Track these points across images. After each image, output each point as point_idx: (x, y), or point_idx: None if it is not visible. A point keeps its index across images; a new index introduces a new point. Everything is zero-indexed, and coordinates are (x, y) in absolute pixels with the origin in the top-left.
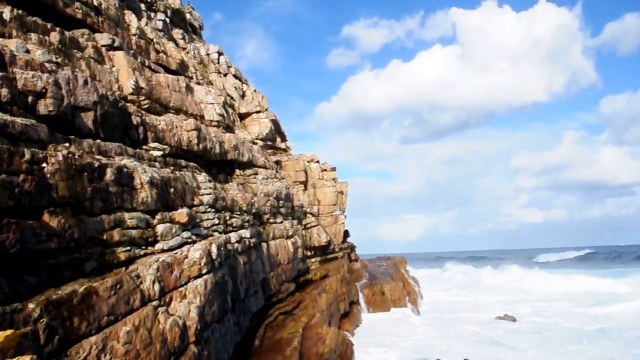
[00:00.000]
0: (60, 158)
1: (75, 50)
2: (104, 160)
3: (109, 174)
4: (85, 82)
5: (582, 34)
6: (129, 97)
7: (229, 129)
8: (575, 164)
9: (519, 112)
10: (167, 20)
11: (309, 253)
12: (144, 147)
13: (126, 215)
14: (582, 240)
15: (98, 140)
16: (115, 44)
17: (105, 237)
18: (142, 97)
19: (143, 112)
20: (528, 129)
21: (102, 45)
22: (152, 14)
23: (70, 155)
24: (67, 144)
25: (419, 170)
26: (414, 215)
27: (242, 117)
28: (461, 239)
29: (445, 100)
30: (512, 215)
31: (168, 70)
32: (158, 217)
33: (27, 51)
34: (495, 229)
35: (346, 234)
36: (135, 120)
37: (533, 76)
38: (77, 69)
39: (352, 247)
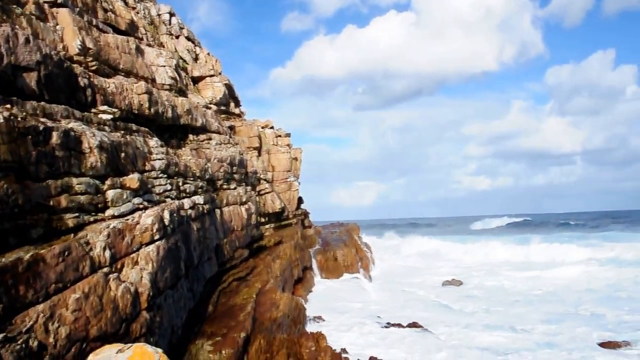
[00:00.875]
0: (1, 120)
1: (15, 6)
2: (50, 124)
3: (55, 138)
4: (27, 41)
5: (532, 3)
6: (76, 58)
7: (182, 92)
8: (521, 133)
9: (470, 81)
10: None
11: (263, 220)
12: (93, 110)
13: (74, 180)
14: (526, 207)
15: (43, 103)
16: (59, 1)
17: (52, 203)
18: (90, 58)
19: (91, 73)
20: (479, 97)
21: (45, 2)
22: None
23: (12, 117)
24: (8, 106)
25: (372, 137)
26: (366, 182)
27: (195, 80)
28: (412, 206)
29: (399, 68)
30: (461, 183)
31: (117, 30)
32: (108, 182)
33: None
34: (445, 196)
35: (300, 200)
36: (82, 82)
37: (484, 45)
38: (17, 26)
39: (306, 214)
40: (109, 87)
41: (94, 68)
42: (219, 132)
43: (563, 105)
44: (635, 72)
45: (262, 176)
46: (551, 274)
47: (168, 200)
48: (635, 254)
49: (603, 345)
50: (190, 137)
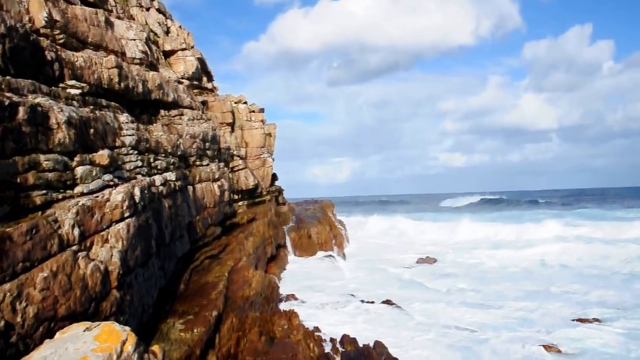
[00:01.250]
0: None
1: None
2: (16, 99)
3: (22, 113)
4: None
5: None
6: (42, 31)
7: (153, 67)
8: (498, 109)
9: (446, 56)
10: None
11: (236, 196)
12: (61, 85)
13: (42, 157)
14: (501, 184)
15: (8, 77)
16: None
17: (19, 180)
18: (57, 31)
19: (58, 47)
20: (455, 73)
21: None
22: None
23: None
24: None
25: (348, 113)
26: (341, 158)
27: (167, 54)
28: (388, 183)
29: (375, 41)
30: (437, 159)
31: (85, 2)
32: (77, 159)
33: None
34: (421, 173)
35: (274, 177)
36: (49, 55)
37: (460, 18)
38: None
39: (279, 191)
40: (77, 61)
41: (61, 41)
42: (191, 108)
43: (540, 81)
44: (612, 48)
45: (235, 152)
46: (524, 251)
47: (139, 177)
48: (606, 231)
49: (578, 320)
50: (162, 112)
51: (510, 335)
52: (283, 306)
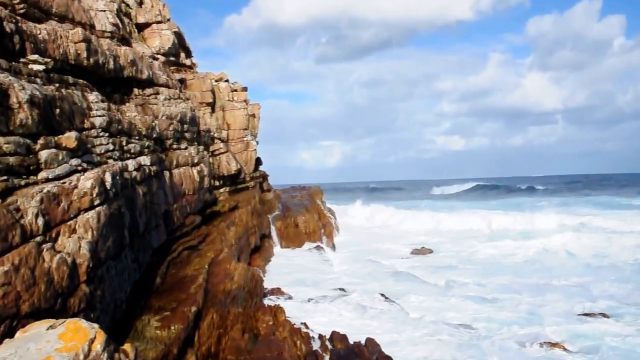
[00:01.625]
0: None
1: None
2: None
3: None
4: None
5: None
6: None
7: (125, 41)
8: (499, 89)
9: (443, 32)
10: None
11: (217, 183)
12: (22, 60)
13: (1, 139)
14: (502, 169)
15: None
16: None
17: None
18: (17, 0)
19: (19, 18)
20: (453, 50)
21: None
22: None
23: None
24: None
25: (338, 93)
26: (331, 141)
27: (140, 28)
28: (381, 168)
29: (366, 15)
30: (434, 143)
31: None
32: (41, 141)
33: None
34: (417, 157)
35: (258, 161)
36: (8, 27)
37: None
38: None
39: (264, 176)
40: (40, 34)
41: (22, 11)
42: (167, 86)
43: (545, 60)
44: (623, 23)
45: (216, 135)
46: (525, 242)
47: (110, 161)
48: (613, 220)
49: (585, 315)
50: (136, 91)
51: (514, 332)
52: (268, 301)
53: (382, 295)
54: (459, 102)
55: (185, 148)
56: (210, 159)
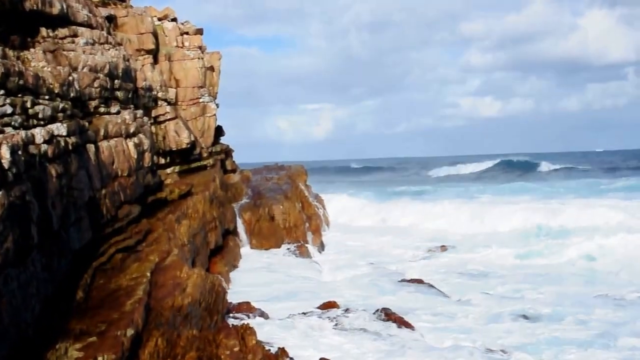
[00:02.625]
0: None
1: None
2: None
3: None
4: None
5: None
6: None
7: None
8: (549, 33)
9: None
10: None
11: (162, 160)
12: None
13: None
14: (552, 142)
15: None
16: None
17: None
18: None
19: None
20: None
21: None
22: None
23: None
24: None
25: (327, 37)
26: (320, 104)
27: None
28: (388, 140)
29: None
30: (458, 107)
31: None
32: None
33: None
34: (436, 126)
35: (219, 131)
36: None
37: None
38: None
39: (227, 152)
40: None
41: None
42: (90, 26)
43: None
44: None
45: (160, 95)
46: (571, 240)
47: (8, 130)
48: None
49: None
50: (44, 32)
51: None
52: (233, 320)
53: (387, 311)
54: (494, 50)
55: (117, 112)
56: (153, 128)
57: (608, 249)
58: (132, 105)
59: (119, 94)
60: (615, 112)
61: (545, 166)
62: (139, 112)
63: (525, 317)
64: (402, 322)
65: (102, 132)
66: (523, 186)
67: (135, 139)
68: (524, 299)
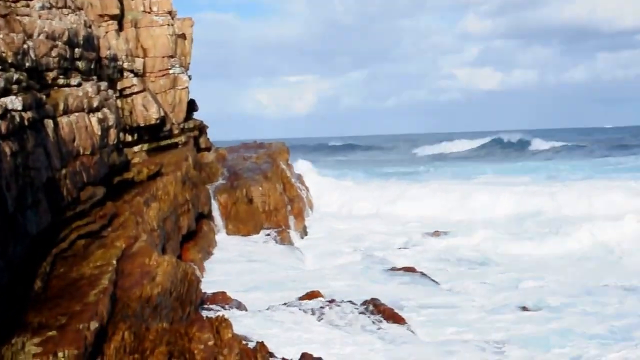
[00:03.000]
0: None
1: None
2: None
3: None
4: None
5: None
6: None
7: None
8: None
9: None
10: None
11: (129, 137)
12: None
13: None
14: (555, 118)
15: None
16: None
17: None
18: None
19: None
20: None
21: None
22: None
23: None
24: None
25: (310, 3)
26: (302, 76)
27: None
28: (376, 115)
29: None
30: (454, 79)
31: None
32: None
33: None
34: (429, 100)
35: (192, 106)
36: None
37: None
38: None
39: (201, 128)
40: None
41: None
42: None
43: None
44: None
45: (126, 65)
46: (574, 226)
47: None
48: None
49: None
50: None
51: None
52: (207, 312)
53: (375, 302)
54: (493, 16)
55: (79, 85)
56: (119, 102)
57: (616, 235)
58: (94, 77)
59: (79, 64)
60: (626, 84)
61: (545, 144)
62: (103, 85)
63: (525, 308)
64: (391, 315)
65: (61, 107)
66: (523, 166)
67: (99, 114)
68: (524, 289)
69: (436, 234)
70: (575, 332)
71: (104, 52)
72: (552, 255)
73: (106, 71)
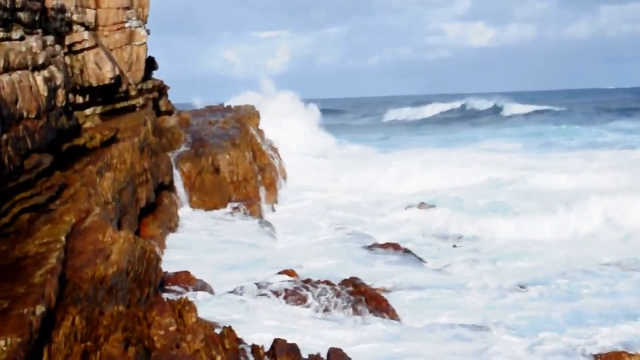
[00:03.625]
0: None
1: None
2: None
3: None
4: None
5: None
6: None
7: None
8: None
9: None
10: None
11: (80, 99)
12: None
13: None
14: (555, 79)
15: None
16: None
17: None
18: None
19: None
20: None
21: None
22: None
23: None
24: None
25: None
26: (274, 31)
27: None
28: (357, 75)
29: None
30: (443, 35)
31: None
32: None
33: None
34: (415, 59)
35: (151, 64)
36: None
37: None
38: None
39: (162, 89)
40: None
41: None
42: None
43: None
44: None
45: (75, 17)
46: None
47: None
48: None
49: None
50: None
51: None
52: (169, 294)
53: (354, 282)
54: None
55: (21, 39)
56: (68, 59)
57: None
58: (39, 30)
59: (22, 15)
60: (633, 40)
61: (516, 109)
62: (49, 39)
63: (521, 287)
64: (373, 296)
65: (1, 63)
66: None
67: (45, 72)
68: (517, 268)
69: (421, 206)
70: (582, 311)
71: (50, 2)
72: (541, 233)
73: (53, 24)
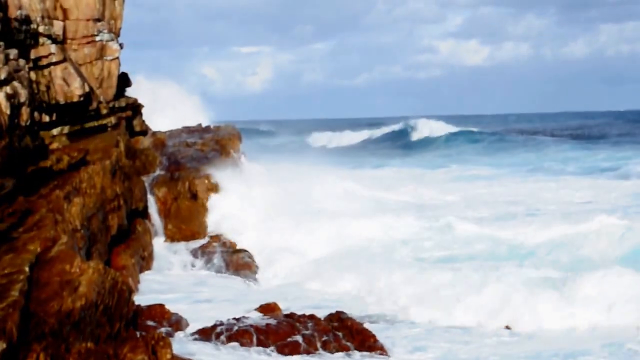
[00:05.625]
0: None
1: None
2: None
3: None
4: None
5: None
6: None
7: None
8: None
9: None
10: None
11: (46, 117)
12: None
13: None
14: (552, 101)
15: None
16: None
17: None
18: None
19: None
20: None
21: None
22: None
23: None
24: None
25: None
26: (256, 47)
27: None
28: (344, 94)
29: None
30: (435, 52)
31: None
32: None
33: None
34: (405, 77)
35: (124, 81)
36: None
37: None
38: None
39: (135, 108)
40: None
41: None
42: None
43: None
44: None
45: (42, 29)
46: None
47: None
48: None
49: None
50: None
51: None
52: (142, 329)
53: (340, 316)
54: None
55: None
56: (33, 74)
57: None
58: (1, 43)
59: None
60: (632, 60)
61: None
62: (12, 53)
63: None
64: (360, 331)
65: None
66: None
67: (8, 89)
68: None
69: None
70: None
71: (14, 12)
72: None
73: (16, 36)
